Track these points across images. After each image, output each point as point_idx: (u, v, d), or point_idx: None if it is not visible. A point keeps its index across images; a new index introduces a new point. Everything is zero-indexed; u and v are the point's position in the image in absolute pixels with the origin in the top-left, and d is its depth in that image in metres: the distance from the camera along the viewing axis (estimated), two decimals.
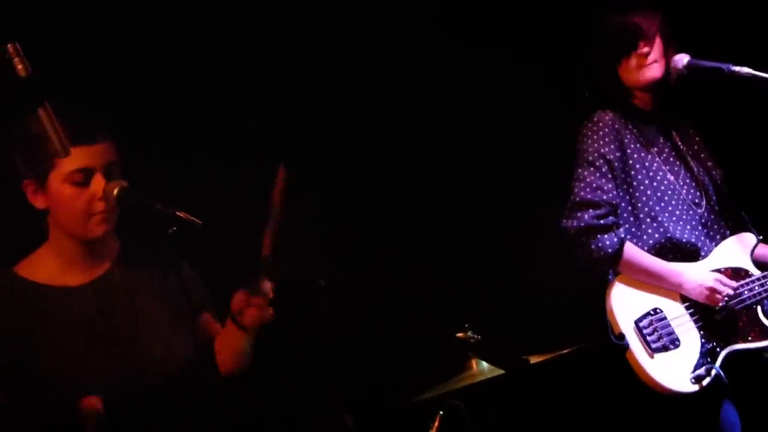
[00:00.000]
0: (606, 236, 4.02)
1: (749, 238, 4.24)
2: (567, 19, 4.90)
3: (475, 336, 3.96)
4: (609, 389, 4.24)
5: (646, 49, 4.15)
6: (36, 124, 2.81)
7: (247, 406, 3.87)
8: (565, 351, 3.91)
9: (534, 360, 3.84)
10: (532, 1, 5.15)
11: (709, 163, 4.36)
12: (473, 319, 3.96)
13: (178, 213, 3.16)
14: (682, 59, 4.16)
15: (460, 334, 3.94)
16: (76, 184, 3.21)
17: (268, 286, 3.20)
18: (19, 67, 2.74)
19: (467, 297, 4.93)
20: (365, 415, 4.07)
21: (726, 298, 4.01)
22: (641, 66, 4.14)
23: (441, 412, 3.97)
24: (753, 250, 4.21)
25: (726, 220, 4.29)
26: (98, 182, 3.21)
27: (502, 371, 3.91)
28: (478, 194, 5.11)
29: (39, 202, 3.26)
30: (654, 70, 4.15)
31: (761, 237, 4.27)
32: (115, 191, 3.21)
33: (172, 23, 4.67)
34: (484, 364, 4.00)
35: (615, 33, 4.17)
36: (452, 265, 5.02)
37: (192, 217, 3.16)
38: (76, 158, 3.13)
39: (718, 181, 4.34)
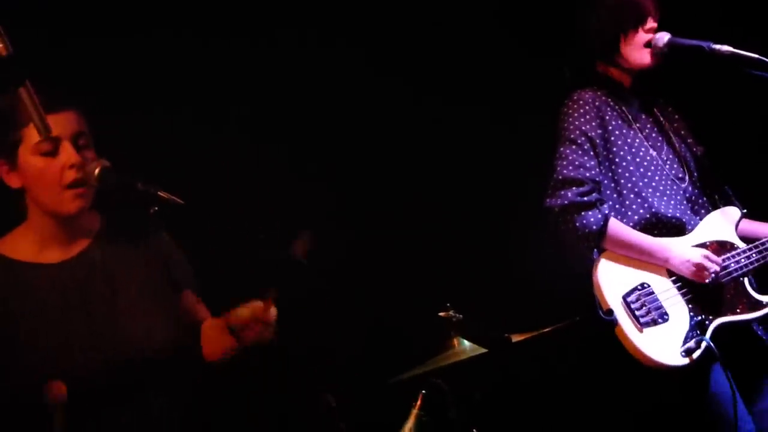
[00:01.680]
0: (590, 213, 4.03)
1: (733, 212, 4.25)
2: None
3: (457, 315, 3.97)
4: (591, 367, 4.26)
5: (654, 24, 4.17)
6: None
7: (229, 386, 3.87)
8: (546, 329, 3.92)
9: (516, 338, 3.85)
10: None
11: (689, 140, 4.38)
12: (455, 298, 3.97)
13: (159, 193, 3.13)
14: (662, 37, 4.16)
15: (442, 313, 3.95)
16: (45, 155, 3.18)
17: (274, 312, 3.21)
18: (0, 46, 2.71)
19: (449, 276, 4.92)
20: (347, 394, 4.07)
21: (713, 274, 4.02)
22: (648, 45, 4.15)
23: (423, 391, 3.99)
24: (737, 223, 4.23)
25: (709, 195, 4.31)
26: (67, 151, 3.17)
27: (484, 350, 3.92)
28: (460, 172, 5.11)
29: (13, 182, 3.23)
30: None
31: (745, 210, 4.28)
32: (96, 171, 3.18)
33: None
34: (466, 342, 4.01)
35: (627, 4, 4.18)
36: (434, 243, 5.02)
37: (174, 197, 3.14)
38: None
39: (700, 156, 4.35)
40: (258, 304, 3.21)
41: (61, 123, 3.17)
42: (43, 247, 3.28)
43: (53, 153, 3.18)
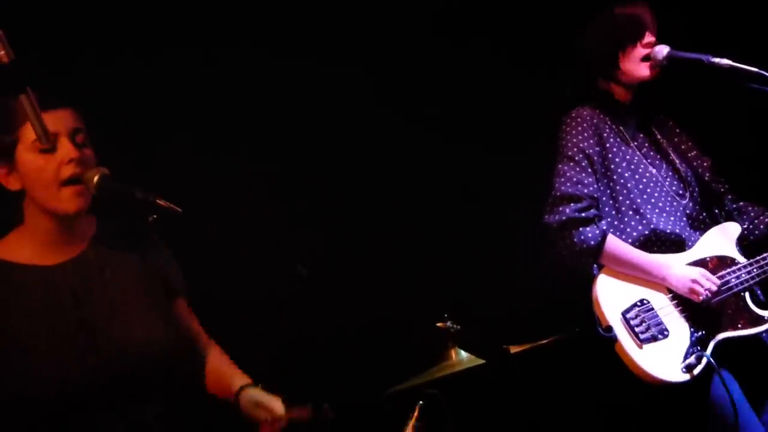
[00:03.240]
0: (588, 229, 4.03)
1: (733, 227, 4.26)
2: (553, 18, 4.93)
3: (455, 326, 3.97)
4: (589, 379, 4.25)
5: (652, 39, 4.19)
6: None
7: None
8: (544, 341, 3.92)
9: (514, 349, 3.85)
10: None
11: (691, 154, 4.39)
12: (453, 309, 3.96)
13: (158, 201, 3.14)
14: (662, 50, 4.18)
15: (439, 324, 3.95)
16: (44, 152, 3.17)
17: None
18: (2, 53, 2.72)
19: (447, 287, 4.92)
20: (345, 405, 4.06)
21: (708, 293, 4.02)
22: (646, 59, 4.17)
23: (420, 402, 3.98)
24: (738, 239, 4.23)
25: (710, 210, 4.31)
26: (64, 146, 3.16)
27: (481, 361, 3.91)
28: (458, 185, 5.11)
29: (12, 184, 3.22)
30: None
31: (748, 225, 4.30)
32: (95, 178, 3.18)
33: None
34: (464, 353, 4.00)
35: (624, 21, 4.21)
36: (432, 255, 5.02)
37: (172, 205, 3.14)
38: None
39: (701, 172, 4.36)
40: (278, 412, 3.26)
41: (59, 119, 3.17)
42: (39, 250, 3.26)
43: (51, 150, 3.17)
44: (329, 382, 4.44)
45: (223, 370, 3.46)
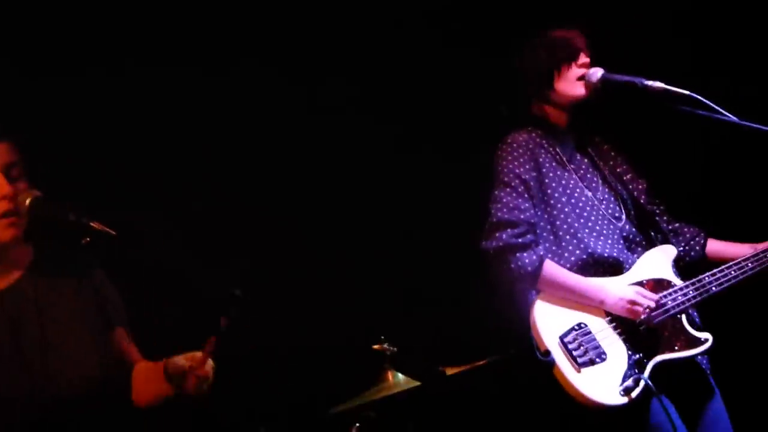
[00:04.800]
0: (525, 254, 4.04)
1: (670, 250, 4.28)
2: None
3: (391, 348, 3.96)
4: (525, 400, 4.26)
5: (587, 60, 4.22)
6: None
7: (162, 420, 3.82)
8: (480, 362, 3.92)
9: (450, 371, 3.84)
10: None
11: (627, 177, 4.43)
12: (389, 331, 3.96)
13: (91, 223, 3.12)
14: (596, 72, 4.21)
15: (376, 346, 3.94)
16: None
17: (210, 365, 3.19)
18: None
19: (383, 309, 4.92)
20: (281, 428, 4.04)
21: (647, 311, 4.04)
22: (581, 79, 4.20)
23: (357, 424, 3.96)
24: (674, 261, 4.25)
25: (647, 233, 4.34)
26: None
27: (417, 383, 3.91)
28: (394, 206, 5.11)
29: None
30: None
31: (704, 234, 4.37)
32: (27, 201, 3.16)
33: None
34: (400, 375, 3.99)
35: (560, 41, 4.26)
36: (368, 277, 5.01)
37: (106, 228, 3.12)
38: None
39: (636, 194, 4.39)
40: (197, 355, 3.20)
41: None
42: None
43: None
44: (266, 405, 4.42)
45: (149, 365, 3.40)
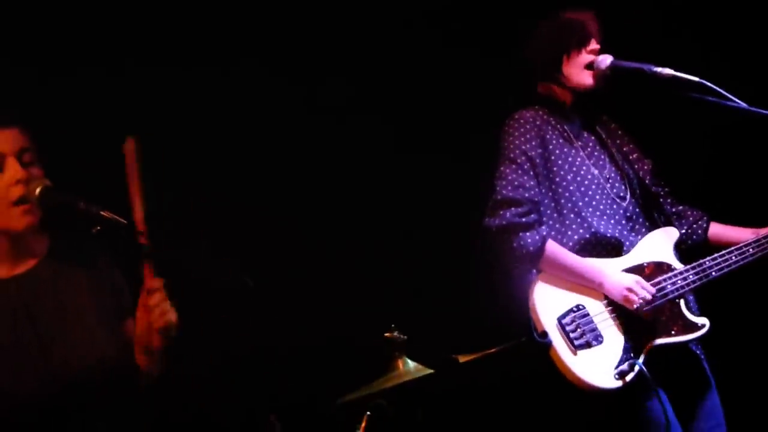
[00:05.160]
0: (528, 234, 4.04)
1: (672, 232, 4.28)
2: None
3: (402, 336, 3.96)
4: (535, 388, 4.26)
5: (597, 47, 4.21)
6: None
7: (172, 409, 3.83)
8: (492, 350, 3.91)
9: (463, 359, 3.84)
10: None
11: (632, 156, 4.42)
12: (400, 319, 3.96)
13: (102, 212, 3.13)
14: (605, 60, 4.20)
15: (387, 334, 3.94)
16: None
17: (157, 283, 3.16)
18: None
19: (394, 297, 4.92)
20: (292, 416, 4.04)
21: (642, 302, 4.04)
22: (589, 66, 4.19)
23: (368, 413, 3.96)
24: (676, 244, 4.25)
25: (650, 214, 4.34)
26: (12, 167, 3.18)
27: (428, 371, 3.91)
28: (404, 192, 5.11)
29: None
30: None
31: (707, 217, 4.37)
32: (37, 191, 3.18)
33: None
34: (411, 363, 3.99)
35: (571, 25, 4.23)
36: (379, 264, 5.01)
37: (117, 217, 3.13)
38: None
39: (641, 174, 4.38)
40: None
41: (6, 139, 3.19)
42: None
43: None
44: (277, 392, 4.42)
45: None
